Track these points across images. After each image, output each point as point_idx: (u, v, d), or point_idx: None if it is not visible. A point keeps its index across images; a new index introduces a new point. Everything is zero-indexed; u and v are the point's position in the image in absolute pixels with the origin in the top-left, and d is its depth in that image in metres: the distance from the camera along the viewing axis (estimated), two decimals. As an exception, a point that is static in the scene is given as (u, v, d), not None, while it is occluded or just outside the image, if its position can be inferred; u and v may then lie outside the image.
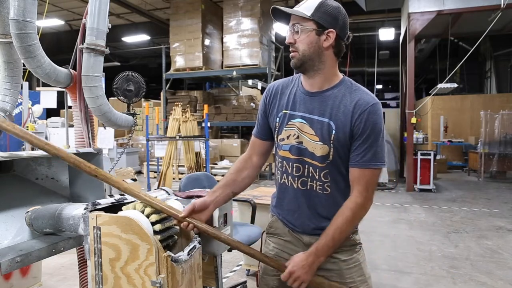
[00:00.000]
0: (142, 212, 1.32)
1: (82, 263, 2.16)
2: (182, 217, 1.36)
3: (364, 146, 1.34)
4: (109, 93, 2.90)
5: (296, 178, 1.44)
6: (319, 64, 1.37)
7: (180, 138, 6.89)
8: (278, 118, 1.47)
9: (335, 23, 1.34)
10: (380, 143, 1.36)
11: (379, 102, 1.39)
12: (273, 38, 10.93)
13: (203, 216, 1.42)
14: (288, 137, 1.44)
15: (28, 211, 1.57)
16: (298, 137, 1.42)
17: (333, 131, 1.35)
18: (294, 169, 1.44)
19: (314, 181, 1.42)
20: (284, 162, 1.47)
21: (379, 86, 17.98)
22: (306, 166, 1.42)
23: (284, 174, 1.47)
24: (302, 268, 1.35)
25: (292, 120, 1.43)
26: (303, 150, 1.41)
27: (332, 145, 1.36)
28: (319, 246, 1.36)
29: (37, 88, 8.53)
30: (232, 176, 1.54)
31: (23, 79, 2.61)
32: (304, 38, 1.34)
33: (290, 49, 1.39)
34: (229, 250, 2.17)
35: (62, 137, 5.85)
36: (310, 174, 1.42)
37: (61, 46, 13.11)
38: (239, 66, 10.12)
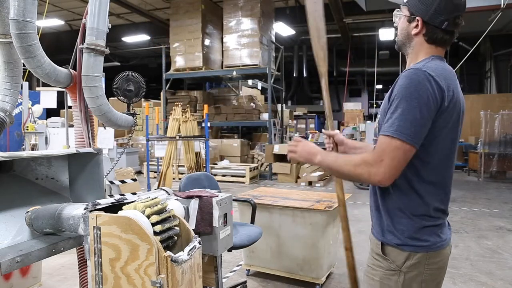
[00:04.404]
0: (143, 212, 1.32)
1: (82, 263, 2.15)
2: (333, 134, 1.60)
3: (388, 115, 1.23)
4: (109, 93, 2.89)
5: None
6: (408, 49, 1.38)
7: (180, 138, 6.89)
8: None
9: (425, 11, 1.30)
10: (403, 110, 1.18)
11: (421, 69, 1.21)
12: (273, 38, 10.92)
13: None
14: None
15: (28, 211, 1.57)
16: None
17: (378, 115, 1.36)
18: None
19: None
20: None
21: (379, 86, 17.97)
22: None
23: None
24: (303, 148, 1.43)
25: None
26: None
27: (378, 133, 1.29)
28: (325, 153, 1.40)
29: (37, 88, 8.53)
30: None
31: (23, 79, 2.60)
32: (399, 24, 1.38)
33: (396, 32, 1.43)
34: (229, 250, 2.17)
35: (62, 137, 5.85)
36: None
37: (61, 46, 13.11)
38: (239, 66, 10.11)
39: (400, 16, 1.38)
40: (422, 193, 1.27)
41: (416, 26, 1.32)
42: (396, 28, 1.42)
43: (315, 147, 1.42)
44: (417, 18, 1.31)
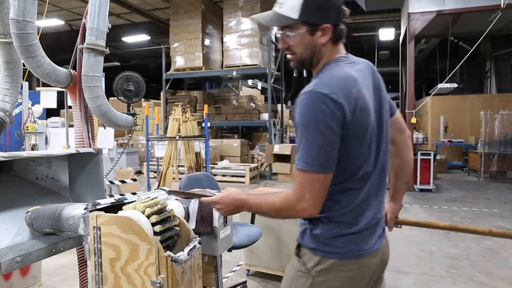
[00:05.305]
0: (143, 212, 1.32)
1: (82, 263, 2.16)
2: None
3: (297, 144, 1.19)
4: (109, 93, 2.90)
5: None
6: (316, 60, 1.27)
7: (180, 138, 6.89)
8: None
9: (328, 15, 1.21)
10: (306, 139, 1.13)
11: (314, 91, 1.14)
12: (273, 38, 10.92)
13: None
14: None
15: (28, 211, 1.57)
16: None
17: None
18: None
19: None
20: None
21: (379, 86, 17.96)
22: None
23: None
24: (229, 204, 1.33)
25: None
26: None
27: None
28: (251, 200, 1.30)
29: (37, 88, 8.54)
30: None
31: (23, 79, 2.61)
32: (298, 42, 1.24)
33: (286, 52, 1.30)
34: (229, 250, 2.17)
35: (62, 137, 5.85)
36: None
37: (61, 46, 13.10)
38: (239, 66, 10.12)
39: (295, 36, 1.23)
40: (340, 200, 1.22)
41: (323, 34, 1.22)
42: (286, 49, 1.28)
43: (236, 199, 1.32)
44: (323, 26, 1.21)
